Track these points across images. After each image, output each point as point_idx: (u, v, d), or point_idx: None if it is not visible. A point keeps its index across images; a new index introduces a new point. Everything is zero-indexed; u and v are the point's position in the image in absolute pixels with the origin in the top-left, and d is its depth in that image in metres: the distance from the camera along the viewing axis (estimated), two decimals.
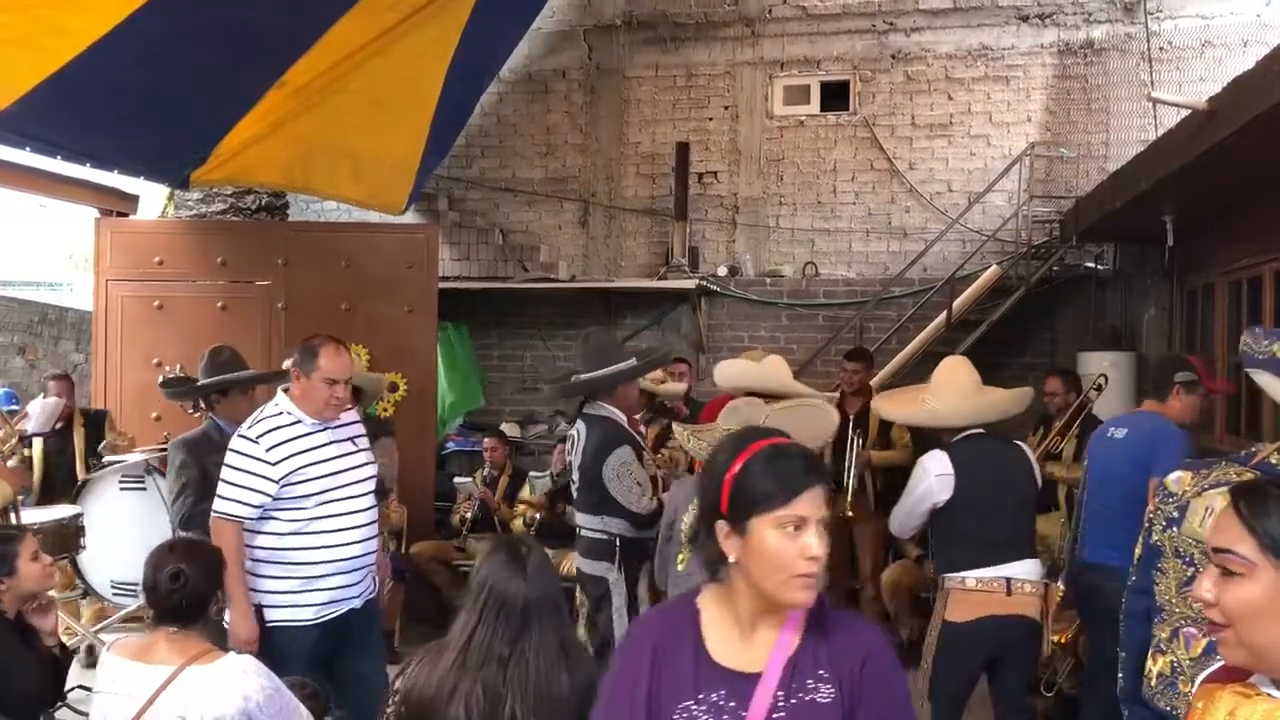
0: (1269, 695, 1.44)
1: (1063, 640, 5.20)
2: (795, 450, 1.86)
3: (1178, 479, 2.58)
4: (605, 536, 4.52)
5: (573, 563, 6.48)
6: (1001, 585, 3.98)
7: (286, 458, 3.74)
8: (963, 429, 4.16)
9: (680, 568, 3.82)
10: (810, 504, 1.79)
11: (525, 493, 7.12)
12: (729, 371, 5.14)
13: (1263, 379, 2.58)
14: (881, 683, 1.84)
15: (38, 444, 6.34)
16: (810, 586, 1.78)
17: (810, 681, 1.81)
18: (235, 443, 3.80)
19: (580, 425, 4.67)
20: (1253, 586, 1.42)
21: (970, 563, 3.99)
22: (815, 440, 3.96)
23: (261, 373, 5.15)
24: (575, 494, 4.76)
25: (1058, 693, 5.46)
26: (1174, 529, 2.50)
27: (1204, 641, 2.33)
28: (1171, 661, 2.48)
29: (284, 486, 3.73)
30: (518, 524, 6.95)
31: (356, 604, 3.92)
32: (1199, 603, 1.50)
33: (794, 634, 1.85)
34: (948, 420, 4.18)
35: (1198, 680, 1.67)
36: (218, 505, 3.75)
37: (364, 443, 4.08)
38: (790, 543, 1.77)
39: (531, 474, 7.44)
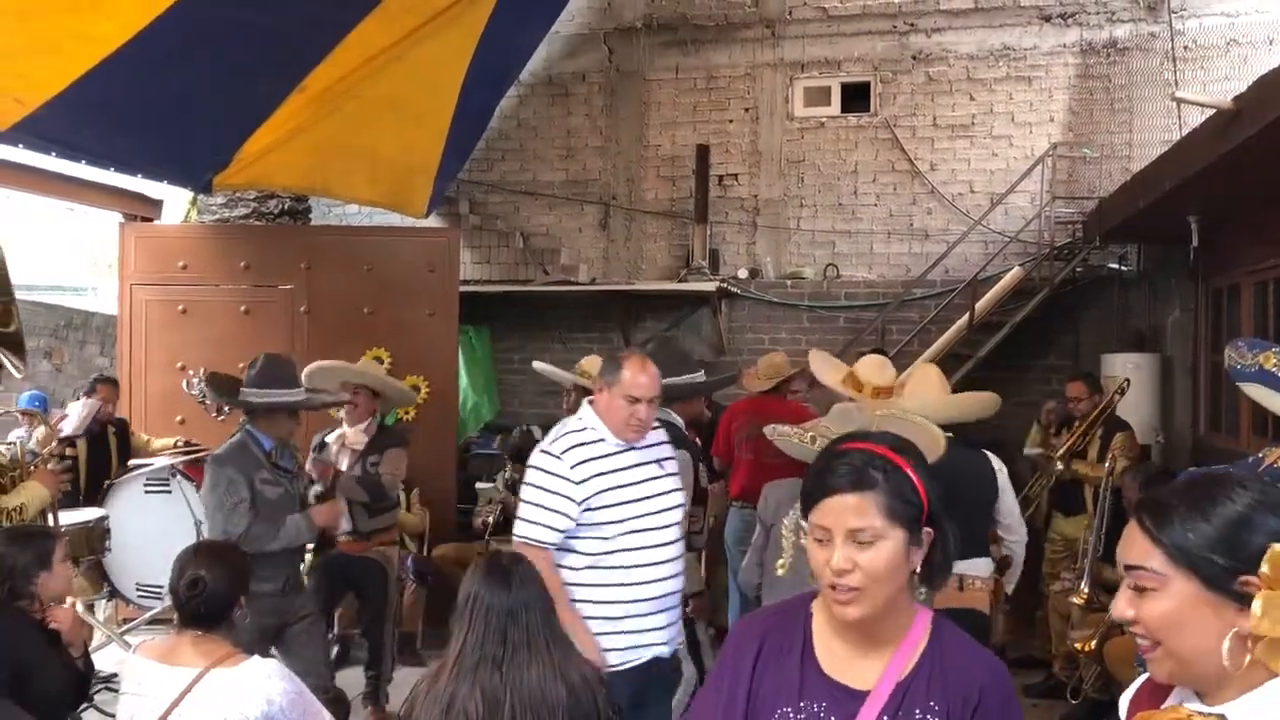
0: (1206, 714, 1.42)
1: (1087, 649, 5.18)
2: (853, 454, 1.73)
3: None
4: None
5: None
6: (954, 580, 4.10)
7: (590, 477, 3.36)
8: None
9: (780, 573, 3.64)
10: (832, 513, 1.69)
11: None
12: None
13: (1255, 392, 2.54)
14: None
15: (81, 447, 6.24)
16: (844, 602, 1.68)
17: (918, 711, 1.71)
18: (537, 459, 3.43)
19: None
20: (1166, 600, 1.42)
21: None
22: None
23: (309, 399, 4.80)
24: None
25: (1084, 698, 5.44)
26: None
27: None
28: None
29: (585, 511, 3.35)
30: None
31: (664, 651, 3.48)
32: (1120, 620, 1.49)
33: (910, 655, 1.76)
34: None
35: (1124, 702, 1.66)
36: (521, 530, 3.36)
37: (672, 465, 3.67)
38: (819, 551, 1.70)
39: None
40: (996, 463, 4.38)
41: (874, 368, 4.78)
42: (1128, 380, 6.67)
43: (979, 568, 4.27)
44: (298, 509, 4.65)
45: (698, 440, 5.16)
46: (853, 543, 1.67)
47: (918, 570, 1.75)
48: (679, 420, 4.71)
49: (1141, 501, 1.52)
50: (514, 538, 3.39)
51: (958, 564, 4.10)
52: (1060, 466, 6.33)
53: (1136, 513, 1.49)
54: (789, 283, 9.49)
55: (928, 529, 1.74)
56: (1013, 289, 8.59)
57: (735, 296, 9.51)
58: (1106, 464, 5.95)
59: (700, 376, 4.77)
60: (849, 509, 1.68)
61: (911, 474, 1.74)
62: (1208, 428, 7.62)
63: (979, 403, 4.53)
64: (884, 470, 1.71)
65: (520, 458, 6.31)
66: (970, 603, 4.19)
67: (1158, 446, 7.89)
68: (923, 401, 4.34)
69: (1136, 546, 1.47)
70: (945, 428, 4.28)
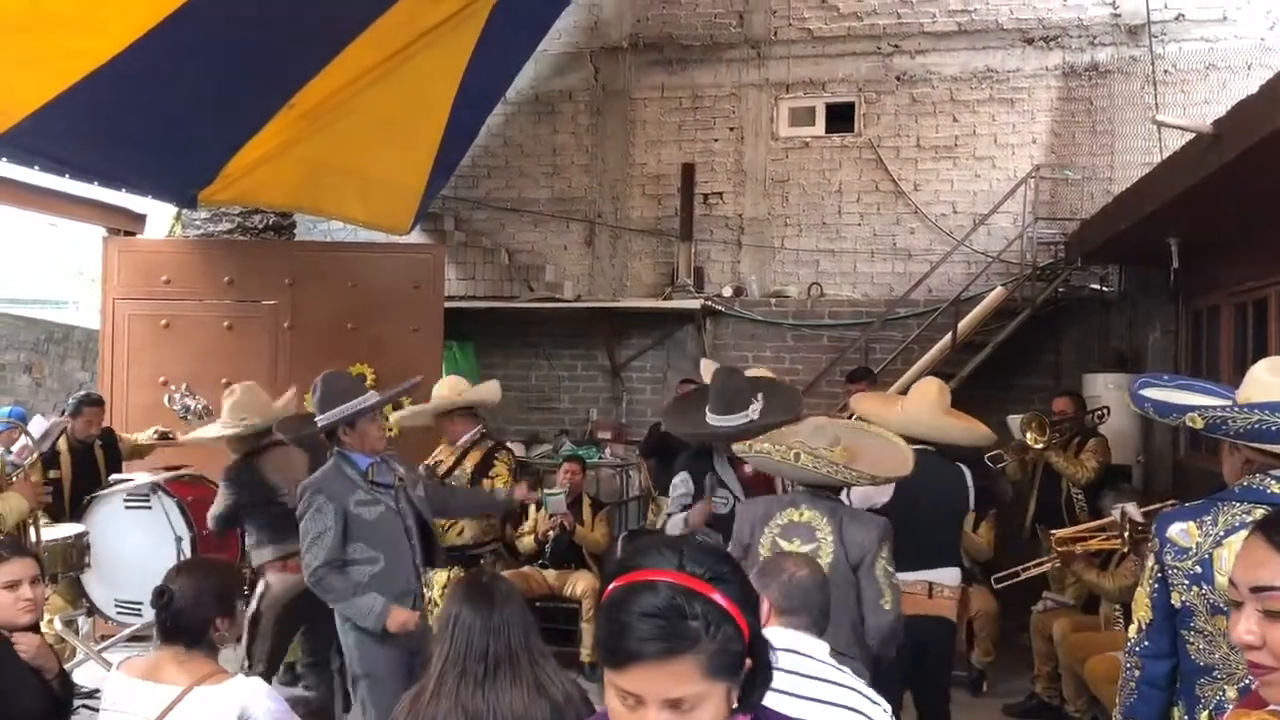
0: None
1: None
2: (661, 596, 1.34)
3: (1184, 531, 2.39)
4: None
5: (585, 583, 6.54)
6: (924, 588, 4.32)
7: None
8: (917, 442, 4.29)
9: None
10: (641, 683, 1.32)
11: (532, 512, 7.03)
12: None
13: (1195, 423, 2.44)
14: None
15: (66, 464, 6.10)
16: None
17: None
18: None
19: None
20: None
21: (897, 566, 4.12)
22: (891, 471, 3.83)
23: (389, 393, 4.55)
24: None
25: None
26: (1202, 586, 2.34)
27: None
28: None
29: None
30: (527, 541, 6.90)
31: None
32: (1240, 645, 1.39)
33: None
34: (907, 429, 4.32)
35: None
36: None
37: None
38: (626, 715, 1.36)
39: (545, 492, 7.25)
40: (969, 480, 4.49)
41: None
42: (1108, 409, 6.79)
43: (949, 576, 4.41)
44: (404, 526, 4.21)
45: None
46: (669, 709, 1.33)
47: (735, 705, 1.43)
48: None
49: (1268, 520, 1.41)
50: None
51: (927, 571, 4.26)
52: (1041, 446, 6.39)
53: (1266, 532, 1.37)
54: (773, 301, 9.52)
55: (748, 659, 1.41)
56: (995, 309, 8.65)
57: (719, 315, 9.53)
58: (1088, 466, 6.12)
59: (755, 413, 4.48)
60: (664, 678, 1.32)
61: (733, 611, 1.37)
62: (1188, 449, 7.66)
63: (969, 434, 4.60)
64: (704, 618, 1.34)
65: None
66: (938, 610, 4.35)
67: (1138, 467, 7.93)
68: (913, 418, 4.44)
69: (1268, 566, 1.34)
70: (929, 441, 4.38)
